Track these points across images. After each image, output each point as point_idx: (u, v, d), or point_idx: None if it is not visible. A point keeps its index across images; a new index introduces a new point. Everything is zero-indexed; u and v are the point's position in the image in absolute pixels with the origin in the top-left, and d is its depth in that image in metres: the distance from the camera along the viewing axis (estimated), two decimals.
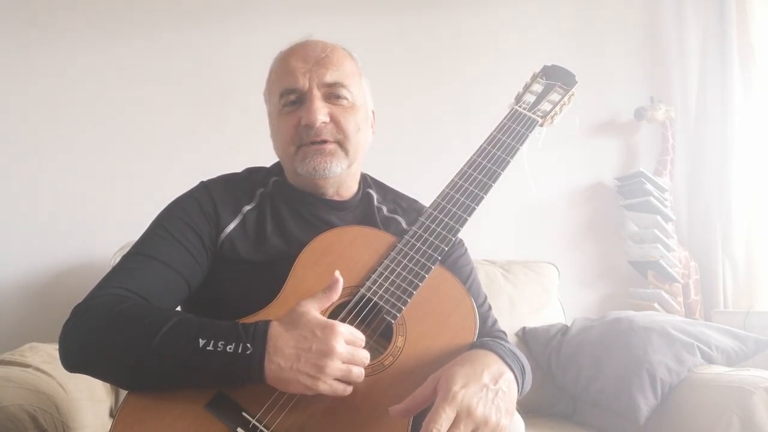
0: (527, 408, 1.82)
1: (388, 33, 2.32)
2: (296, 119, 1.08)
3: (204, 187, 1.13)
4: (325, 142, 1.08)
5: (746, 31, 2.34)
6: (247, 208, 1.11)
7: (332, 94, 1.09)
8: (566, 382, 1.84)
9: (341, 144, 1.09)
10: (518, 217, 2.35)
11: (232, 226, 1.08)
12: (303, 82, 1.08)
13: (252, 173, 1.20)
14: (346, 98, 1.10)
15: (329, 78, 1.09)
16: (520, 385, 0.92)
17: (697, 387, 1.57)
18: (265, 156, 1.24)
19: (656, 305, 2.28)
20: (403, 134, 2.23)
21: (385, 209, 1.21)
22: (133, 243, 1.05)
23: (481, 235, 1.85)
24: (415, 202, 1.25)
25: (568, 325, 1.95)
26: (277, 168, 1.20)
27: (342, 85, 1.10)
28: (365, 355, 0.86)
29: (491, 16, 2.43)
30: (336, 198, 1.16)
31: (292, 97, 1.09)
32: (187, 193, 1.12)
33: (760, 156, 2.32)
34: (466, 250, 1.22)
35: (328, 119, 1.08)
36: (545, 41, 2.44)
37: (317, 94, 1.08)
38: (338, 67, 1.10)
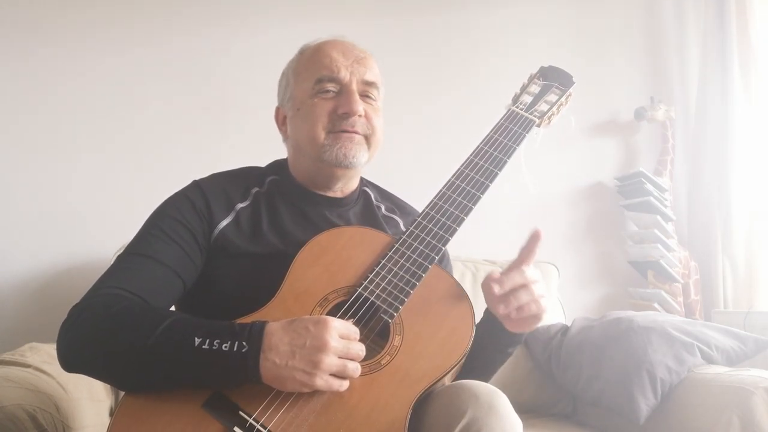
0: (527, 408, 1.83)
1: (388, 36, 2.32)
2: (332, 106, 1.11)
3: (196, 185, 1.13)
4: (356, 132, 1.11)
5: (746, 31, 2.33)
6: (241, 205, 1.12)
7: (366, 93, 1.14)
8: (566, 382, 1.84)
9: (367, 138, 1.13)
10: (518, 217, 2.34)
11: (225, 222, 1.08)
12: (345, 75, 1.12)
13: (247, 172, 1.20)
14: (375, 99, 1.16)
15: (368, 77, 1.14)
16: None
17: (697, 387, 1.57)
18: (266, 156, 1.25)
19: (656, 305, 2.27)
20: (404, 136, 2.23)
21: (383, 207, 1.23)
22: (128, 243, 1.06)
23: (481, 235, 1.85)
24: (408, 204, 1.27)
25: (568, 325, 1.94)
26: (274, 167, 1.21)
27: (375, 87, 1.16)
28: (360, 348, 0.86)
29: (491, 18, 2.43)
30: (338, 195, 1.17)
31: (330, 85, 1.12)
32: (179, 191, 1.12)
33: (760, 156, 2.31)
34: (449, 260, 1.26)
35: (363, 113, 1.12)
36: (546, 42, 2.44)
37: (356, 89, 1.12)
38: (372, 69, 1.16)
